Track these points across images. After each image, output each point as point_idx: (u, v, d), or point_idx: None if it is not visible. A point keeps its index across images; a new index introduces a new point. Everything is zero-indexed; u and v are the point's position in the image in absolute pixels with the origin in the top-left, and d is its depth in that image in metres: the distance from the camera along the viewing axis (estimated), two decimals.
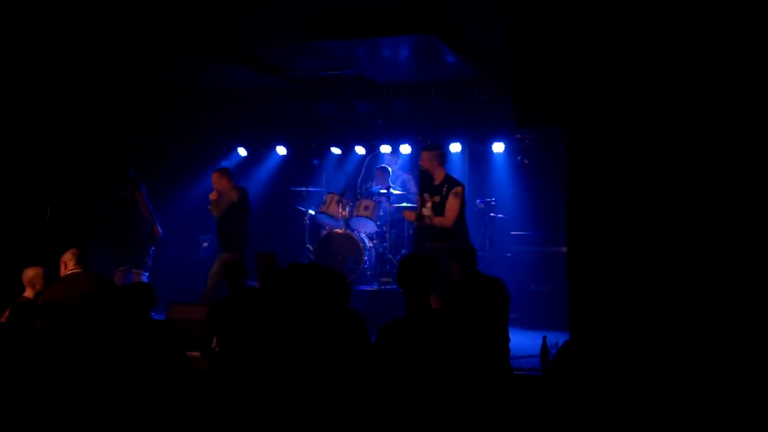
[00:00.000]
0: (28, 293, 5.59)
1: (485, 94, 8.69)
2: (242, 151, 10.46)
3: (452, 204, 6.61)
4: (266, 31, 7.22)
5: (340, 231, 8.61)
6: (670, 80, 3.64)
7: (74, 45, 7.29)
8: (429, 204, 6.74)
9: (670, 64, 3.62)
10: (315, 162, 10.30)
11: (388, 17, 6.57)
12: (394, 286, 8.12)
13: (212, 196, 8.02)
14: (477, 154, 9.81)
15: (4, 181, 7.98)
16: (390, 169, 9.38)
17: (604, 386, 3.34)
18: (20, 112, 8.01)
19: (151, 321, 4.85)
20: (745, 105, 3.53)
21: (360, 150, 10.00)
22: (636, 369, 3.45)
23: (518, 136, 9.32)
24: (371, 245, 8.69)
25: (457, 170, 9.30)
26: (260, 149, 10.51)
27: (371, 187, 9.25)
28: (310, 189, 9.72)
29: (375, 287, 8.52)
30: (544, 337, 6.02)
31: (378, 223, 8.72)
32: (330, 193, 8.94)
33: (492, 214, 9.07)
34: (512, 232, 9.04)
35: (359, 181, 9.18)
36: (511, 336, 5.73)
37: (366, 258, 8.49)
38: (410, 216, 7.04)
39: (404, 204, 8.80)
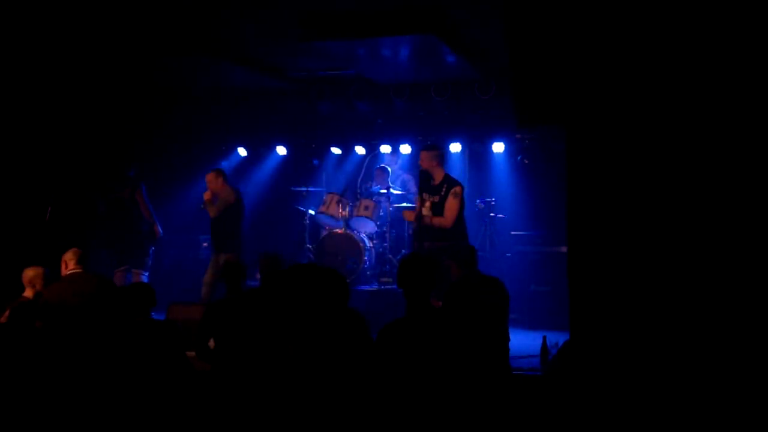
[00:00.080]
0: (28, 293, 5.59)
1: (485, 94, 8.70)
2: (242, 151, 10.46)
3: (451, 204, 6.61)
4: (266, 31, 7.22)
5: (340, 231, 8.61)
6: (670, 80, 3.64)
7: (74, 45, 7.29)
8: (428, 204, 6.74)
9: (670, 65, 3.61)
10: (315, 162, 10.30)
11: (388, 17, 6.57)
12: (394, 286, 8.12)
13: (206, 195, 8.00)
14: (477, 154, 9.81)
15: (4, 181, 7.98)
16: (389, 169, 9.38)
17: (604, 386, 3.34)
18: (20, 112, 8.01)
19: (151, 321, 4.85)
20: (745, 105, 3.53)
21: (360, 150, 10.00)
22: (636, 369, 3.45)
23: (518, 136, 9.32)
24: (371, 245, 8.69)
25: (457, 170, 9.30)
26: (260, 149, 10.50)
27: (371, 187, 9.25)
28: (310, 189, 9.72)
29: (375, 287, 8.51)
30: (544, 337, 6.02)
31: (378, 223, 8.72)
32: (330, 193, 8.94)
33: (492, 214, 9.07)
34: (512, 232, 9.04)
35: (359, 181, 9.18)
36: (511, 336, 5.73)
37: (366, 258, 8.49)
38: (410, 216, 7.04)
39: (404, 204, 8.80)
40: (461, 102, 8.95)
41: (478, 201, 9.08)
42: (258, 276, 8.95)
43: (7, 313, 5.16)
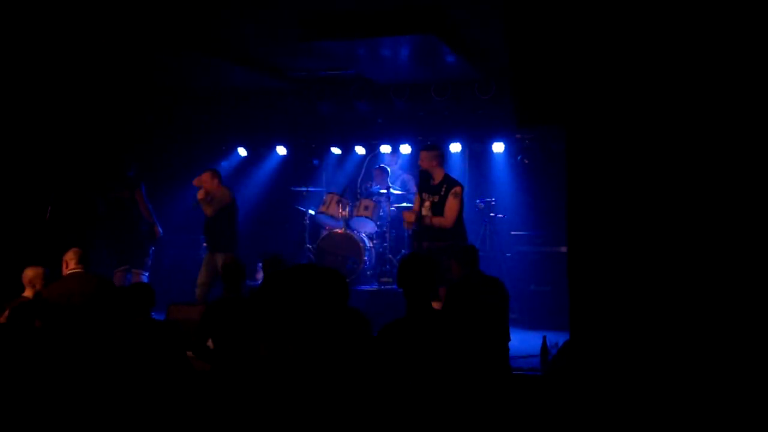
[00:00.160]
0: (28, 293, 5.59)
1: (485, 94, 8.70)
2: (242, 151, 10.46)
3: (452, 204, 6.61)
4: (266, 31, 7.22)
5: (340, 231, 8.61)
6: (670, 80, 3.64)
7: (74, 45, 7.29)
8: (427, 204, 6.74)
9: (671, 65, 3.61)
10: (315, 162, 10.30)
11: (388, 17, 6.57)
12: (394, 286, 8.12)
13: (200, 194, 7.98)
14: (477, 154, 9.82)
15: (4, 181, 7.98)
16: (389, 169, 9.38)
17: (604, 386, 3.34)
18: (20, 112, 8.01)
19: (152, 321, 4.85)
20: (745, 105, 3.53)
21: (360, 150, 10.00)
22: (636, 369, 3.45)
23: (518, 136, 9.32)
24: (371, 245, 8.69)
25: (457, 170, 9.31)
26: (260, 149, 10.51)
27: (371, 187, 9.25)
28: (310, 189, 9.72)
29: (375, 287, 8.52)
30: (544, 337, 6.02)
31: (378, 223, 8.73)
32: (330, 193, 8.94)
33: (492, 214, 9.07)
34: (512, 232, 9.04)
35: (359, 181, 9.18)
36: (511, 336, 5.73)
37: (366, 258, 8.49)
38: (410, 218, 7.00)
39: (404, 204, 8.81)
40: (461, 102, 8.95)
41: (478, 201, 9.08)
42: (257, 276, 9.01)
43: (6, 312, 5.17)
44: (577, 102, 3.81)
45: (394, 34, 6.83)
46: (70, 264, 5.71)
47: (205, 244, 9.57)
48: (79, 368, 4.39)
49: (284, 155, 10.39)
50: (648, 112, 3.69)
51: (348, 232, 8.55)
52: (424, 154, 6.88)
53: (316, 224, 9.20)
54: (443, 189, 6.68)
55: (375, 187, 9.17)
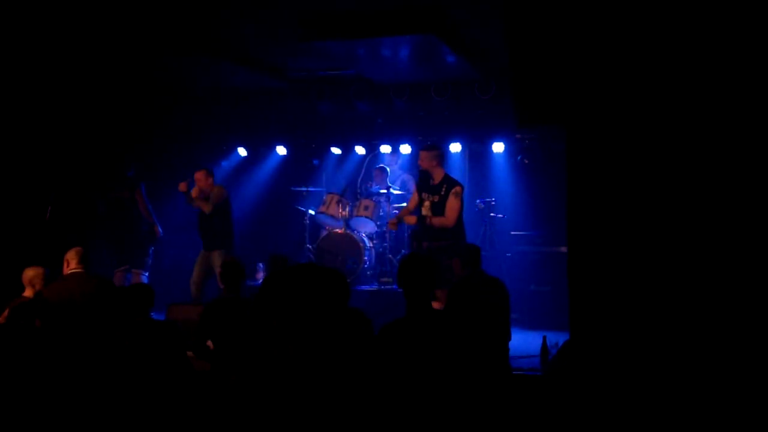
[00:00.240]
0: (28, 293, 5.59)
1: (485, 94, 8.70)
2: (242, 151, 10.46)
3: (453, 204, 6.61)
4: (266, 31, 7.23)
5: (340, 231, 8.61)
6: (670, 80, 3.64)
7: (74, 45, 7.29)
8: (427, 204, 6.74)
9: (671, 65, 3.61)
10: (315, 162, 10.29)
11: (388, 17, 6.57)
12: (394, 286, 8.12)
13: (194, 192, 7.98)
14: (477, 154, 9.81)
15: (5, 181, 7.98)
16: (388, 169, 9.38)
17: (604, 386, 3.34)
18: (20, 112, 8.01)
19: (151, 321, 4.85)
20: (745, 105, 3.53)
21: (360, 150, 10.00)
22: (636, 369, 3.45)
23: (518, 136, 9.32)
24: (371, 245, 8.69)
25: (457, 170, 9.30)
26: (260, 149, 10.50)
27: (371, 187, 9.25)
28: (310, 189, 9.72)
29: (375, 287, 8.52)
30: (544, 337, 6.02)
31: (378, 223, 8.72)
32: (330, 193, 8.93)
33: (492, 214, 9.07)
34: (512, 232, 9.04)
35: (359, 181, 9.18)
36: (511, 336, 5.73)
37: (366, 258, 8.49)
38: (411, 220, 7.01)
39: (404, 204, 8.80)
40: (461, 102, 8.95)
41: (478, 201, 9.07)
42: (257, 276, 9.01)
43: (6, 312, 5.17)
44: (577, 102, 3.81)
45: (394, 34, 6.83)
46: (71, 263, 5.71)
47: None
48: (79, 368, 4.39)
49: (284, 155, 10.39)
50: (648, 112, 3.69)
51: (348, 232, 8.55)
52: (423, 154, 6.88)
53: (316, 224, 9.20)
54: (443, 189, 6.68)
55: (375, 187, 9.17)
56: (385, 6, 6.49)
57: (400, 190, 9.13)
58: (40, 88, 8.04)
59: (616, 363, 3.48)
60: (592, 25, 3.69)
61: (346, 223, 8.61)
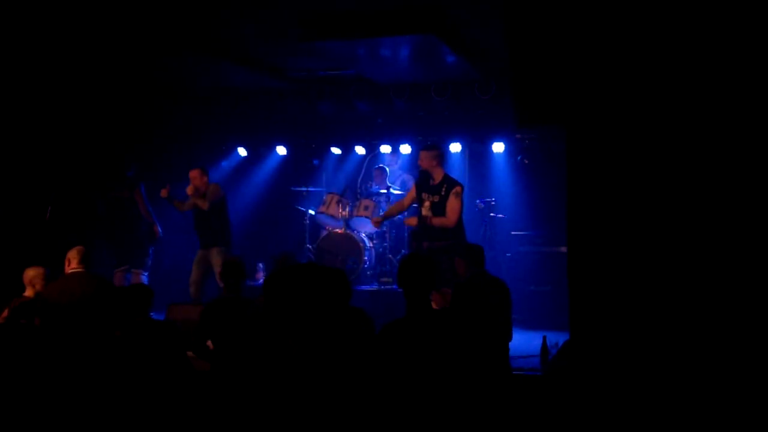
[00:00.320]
0: (29, 292, 5.60)
1: (485, 94, 8.69)
2: (242, 151, 10.46)
3: (453, 204, 6.61)
4: (266, 31, 7.22)
5: (340, 231, 8.61)
6: (670, 80, 3.64)
7: (74, 45, 7.29)
8: (427, 204, 6.74)
9: (671, 65, 3.61)
10: (315, 162, 10.29)
11: (388, 17, 6.57)
12: (394, 286, 8.13)
13: (189, 190, 7.98)
14: (477, 154, 9.81)
15: (5, 181, 7.99)
16: (387, 169, 9.38)
17: (604, 386, 3.34)
18: (20, 112, 8.01)
19: (151, 321, 4.85)
20: (745, 105, 3.53)
21: (360, 150, 10.00)
22: (636, 369, 3.45)
23: (518, 136, 9.32)
24: (371, 245, 8.69)
25: (457, 170, 9.31)
26: (260, 149, 10.50)
27: (371, 187, 9.25)
28: (310, 189, 9.72)
29: (375, 287, 8.52)
30: (544, 337, 6.02)
31: None
32: (330, 193, 8.94)
33: (492, 214, 9.07)
34: (512, 232, 9.04)
35: (359, 181, 9.18)
36: (512, 336, 5.73)
37: (366, 258, 8.49)
38: (412, 221, 7.02)
39: None
40: (461, 102, 8.95)
41: (478, 201, 9.07)
42: (257, 276, 9.01)
43: (5, 312, 5.17)
44: (577, 102, 3.81)
45: (394, 34, 6.83)
46: (72, 263, 5.71)
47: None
48: (79, 368, 4.39)
49: (284, 155, 10.39)
50: (648, 112, 3.69)
51: (348, 232, 8.56)
52: (423, 154, 6.87)
53: (316, 224, 9.20)
54: (443, 189, 6.68)
55: (375, 187, 9.17)
56: (385, 6, 6.49)
57: (399, 190, 9.13)
58: (40, 89, 8.04)
59: (616, 363, 3.48)
60: (592, 25, 3.69)
61: (346, 223, 8.61)
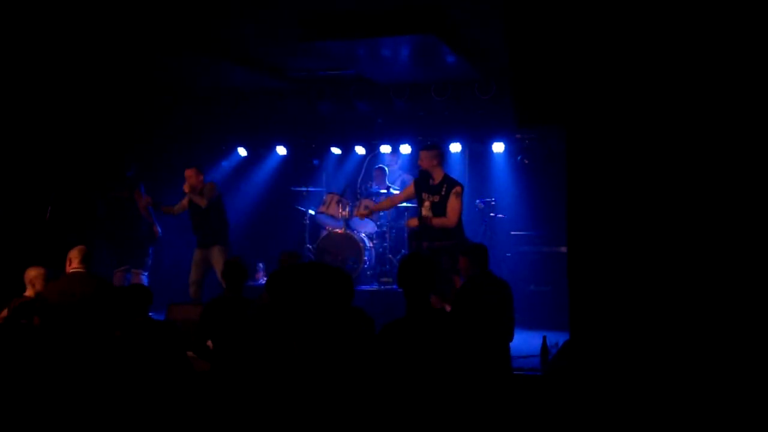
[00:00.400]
0: (29, 292, 5.60)
1: (485, 94, 8.69)
2: (242, 151, 10.46)
3: (454, 204, 6.61)
4: (266, 31, 7.22)
5: (340, 231, 8.61)
6: (670, 80, 3.64)
7: (74, 45, 7.29)
8: (427, 204, 6.74)
9: (671, 65, 3.62)
10: (315, 162, 10.29)
11: (388, 17, 6.57)
12: (394, 286, 8.13)
13: (186, 188, 7.97)
14: (477, 154, 9.81)
15: (5, 181, 7.99)
16: (387, 169, 9.38)
17: (604, 386, 3.34)
18: (20, 112, 8.01)
19: (151, 321, 4.84)
20: (745, 105, 3.53)
21: (360, 150, 10.00)
22: (636, 369, 3.45)
23: (518, 136, 9.32)
24: (371, 245, 8.69)
25: (457, 170, 9.30)
26: (260, 149, 10.50)
27: (371, 187, 9.25)
28: (310, 189, 9.72)
29: (375, 287, 8.52)
30: (544, 337, 6.02)
31: (378, 223, 8.73)
32: (330, 193, 8.93)
33: (492, 214, 9.06)
34: (512, 232, 9.04)
35: (359, 181, 9.18)
36: (513, 336, 5.72)
37: (366, 258, 8.49)
38: (413, 222, 7.02)
39: (404, 204, 8.80)
40: (461, 102, 8.95)
41: (478, 201, 9.07)
42: (257, 276, 9.01)
43: (5, 312, 5.17)
44: (577, 102, 3.81)
45: (394, 34, 6.83)
46: (73, 262, 5.70)
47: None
48: (78, 368, 4.39)
49: (284, 155, 10.38)
50: (648, 112, 3.69)
51: (348, 232, 8.56)
52: (423, 154, 6.87)
53: (316, 224, 9.20)
54: (444, 189, 6.68)
55: (375, 187, 9.17)
56: (385, 6, 6.49)
57: (399, 190, 9.12)
58: (40, 89, 8.04)
59: (616, 363, 3.48)
60: (592, 25, 3.69)
61: (346, 223, 8.61)
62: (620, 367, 3.46)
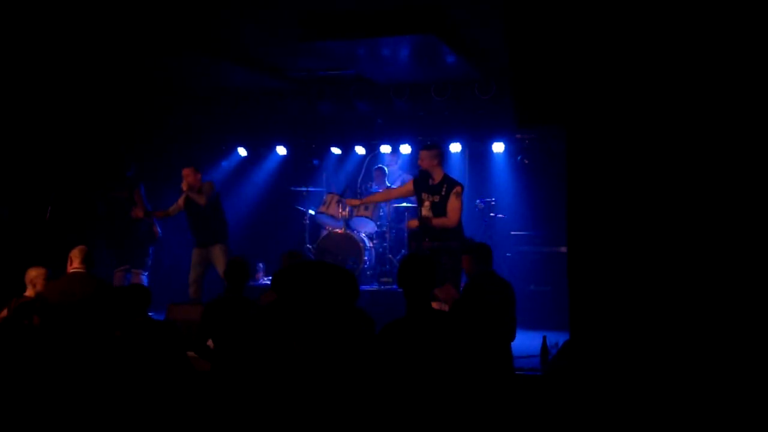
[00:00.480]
0: (29, 292, 5.60)
1: (485, 94, 8.70)
2: (242, 151, 10.46)
3: (454, 204, 6.61)
4: (266, 31, 7.22)
5: (340, 231, 8.62)
6: (670, 80, 3.64)
7: (74, 45, 7.29)
8: (427, 204, 6.73)
9: (670, 65, 3.62)
10: (315, 162, 10.29)
11: (388, 17, 6.57)
12: (394, 286, 8.13)
13: (184, 186, 7.97)
14: (477, 154, 9.81)
15: (5, 181, 7.99)
16: (386, 169, 9.38)
17: (604, 386, 3.34)
18: (20, 112, 8.02)
19: (151, 321, 4.84)
20: (745, 105, 3.53)
21: (360, 150, 10.00)
22: (636, 369, 3.45)
23: (518, 136, 9.32)
24: (371, 245, 8.69)
25: (457, 170, 9.30)
26: (260, 149, 10.50)
27: (371, 187, 9.26)
28: (310, 189, 9.72)
29: (375, 287, 8.52)
30: (544, 337, 6.02)
31: (378, 223, 8.73)
32: (330, 193, 8.94)
33: (492, 214, 9.07)
34: (512, 232, 9.04)
35: (359, 181, 9.18)
36: (515, 336, 5.72)
37: (366, 258, 8.50)
38: (414, 224, 7.03)
39: (404, 204, 8.81)
40: (461, 102, 8.95)
41: (478, 201, 9.07)
42: (257, 276, 9.01)
43: (5, 312, 5.18)
44: (577, 102, 3.81)
45: (394, 34, 6.83)
46: (74, 262, 5.70)
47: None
48: (78, 368, 4.39)
49: (284, 155, 10.39)
50: (648, 112, 3.69)
51: (348, 232, 8.56)
52: (424, 153, 6.86)
53: (316, 224, 9.20)
54: (444, 189, 6.67)
55: (375, 188, 9.18)
56: (385, 6, 6.49)
57: None
58: (40, 89, 8.04)
59: (616, 363, 3.48)
60: (592, 25, 3.69)
61: (346, 223, 8.62)
62: (620, 367, 3.46)
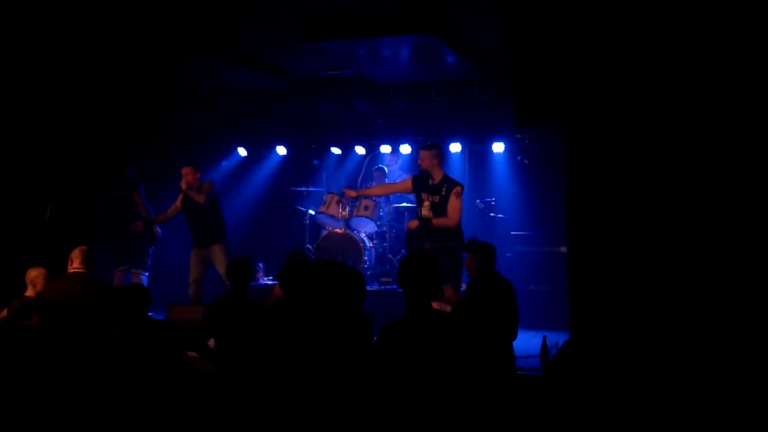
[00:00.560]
0: (30, 292, 5.60)
1: (485, 94, 8.70)
2: (242, 151, 10.46)
3: (454, 204, 6.61)
4: (266, 31, 7.23)
5: (340, 231, 8.62)
6: (670, 80, 3.64)
7: (74, 45, 7.29)
8: (427, 204, 6.73)
9: (671, 65, 3.62)
10: (315, 162, 10.29)
11: (388, 17, 6.57)
12: (394, 286, 8.13)
13: (183, 185, 7.98)
14: (477, 154, 9.81)
15: (5, 181, 7.99)
16: (386, 169, 9.39)
17: (604, 386, 3.34)
18: (20, 112, 8.02)
19: (151, 321, 4.84)
20: (745, 105, 3.53)
21: (360, 150, 10.00)
22: (636, 369, 3.46)
23: (518, 136, 9.33)
24: (371, 245, 8.70)
25: (457, 170, 9.31)
26: (260, 149, 10.50)
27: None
28: (310, 189, 9.72)
29: (375, 287, 8.52)
30: (544, 337, 6.02)
31: (378, 223, 8.73)
32: (330, 193, 8.94)
33: (492, 214, 9.07)
34: (512, 232, 9.04)
35: (359, 181, 9.18)
36: (517, 336, 5.72)
37: (366, 258, 8.50)
38: (414, 224, 7.04)
39: (405, 204, 8.81)
40: (461, 102, 8.95)
41: (478, 201, 9.07)
42: (258, 276, 9.01)
43: (4, 312, 5.18)
44: (577, 102, 3.81)
45: (394, 34, 6.83)
46: (74, 262, 5.70)
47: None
48: (78, 368, 4.39)
49: (284, 155, 10.39)
50: (648, 112, 3.69)
51: (348, 232, 8.56)
52: (424, 153, 6.86)
53: (316, 224, 9.20)
54: (444, 189, 6.67)
55: None
56: (385, 6, 6.49)
57: None
58: (40, 89, 8.04)
59: (616, 363, 3.49)
60: (592, 25, 3.70)
61: (346, 223, 8.62)
62: (620, 367, 3.46)
